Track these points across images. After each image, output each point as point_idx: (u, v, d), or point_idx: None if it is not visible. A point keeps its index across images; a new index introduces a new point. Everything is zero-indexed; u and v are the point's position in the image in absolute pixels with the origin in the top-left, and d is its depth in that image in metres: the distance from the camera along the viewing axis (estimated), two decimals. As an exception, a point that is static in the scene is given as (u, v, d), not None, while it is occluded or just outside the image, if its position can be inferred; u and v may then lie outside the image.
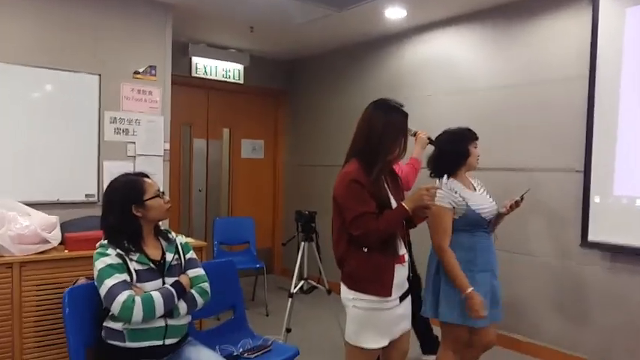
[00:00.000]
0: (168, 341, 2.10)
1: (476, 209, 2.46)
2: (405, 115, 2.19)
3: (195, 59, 5.34)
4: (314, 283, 3.92)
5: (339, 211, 2.12)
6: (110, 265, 2.00)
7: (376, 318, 2.09)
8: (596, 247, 3.30)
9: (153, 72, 4.00)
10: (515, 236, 3.72)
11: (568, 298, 3.53)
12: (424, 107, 4.38)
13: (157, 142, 4.00)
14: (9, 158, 3.38)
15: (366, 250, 2.07)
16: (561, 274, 3.56)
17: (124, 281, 1.99)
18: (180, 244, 2.28)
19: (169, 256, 2.18)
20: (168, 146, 4.08)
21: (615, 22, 3.21)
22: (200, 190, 5.74)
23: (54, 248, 3.02)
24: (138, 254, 2.08)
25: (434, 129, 3.00)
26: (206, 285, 2.22)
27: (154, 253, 2.16)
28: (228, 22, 4.54)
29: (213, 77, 5.50)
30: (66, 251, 3.03)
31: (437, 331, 2.69)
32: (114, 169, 3.49)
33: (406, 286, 2.20)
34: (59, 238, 3.07)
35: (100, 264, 2.01)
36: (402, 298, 2.16)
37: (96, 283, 2.01)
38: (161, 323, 2.06)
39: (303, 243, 3.88)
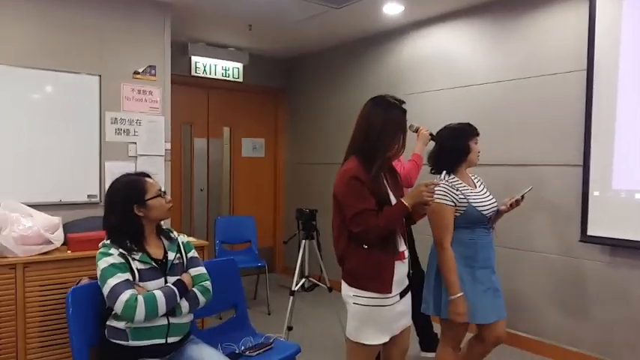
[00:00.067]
0: (170, 339, 2.12)
1: (477, 206, 2.47)
2: (404, 112, 2.20)
3: (194, 58, 5.35)
4: (315, 281, 3.94)
5: (339, 209, 2.14)
6: (113, 265, 2.02)
7: (377, 314, 2.10)
8: (596, 241, 3.31)
9: (152, 72, 4.02)
10: (515, 232, 3.73)
11: (568, 293, 3.54)
12: (423, 103, 4.39)
13: (157, 142, 4.02)
14: (11, 160, 3.40)
15: (366, 247, 2.08)
16: (561, 269, 3.57)
17: (127, 280, 2.00)
18: (182, 243, 2.30)
19: (171, 255, 2.20)
20: (169, 146, 4.09)
21: (612, 14, 3.22)
22: (201, 190, 5.75)
23: (57, 249, 3.04)
24: (140, 253, 2.10)
25: (433, 125, 3.01)
26: (208, 283, 2.24)
27: (156, 252, 2.17)
28: (226, 20, 4.55)
29: (212, 76, 5.51)
30: (69, 252, 3.05)
31: (436, 328, 2.70)
32: (115, 169, 3.50)
33: (406, 282, 2.22)
34: (62, 239, 3.09)
35: (102, 264, 2.03)
36: (402, 295, 2.18)
37: (99, 283, 2.03)
38: (164, 322, 2.08)
39: (303, 241, 3.90)
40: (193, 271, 2.23)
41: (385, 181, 2.19)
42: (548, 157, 3.62)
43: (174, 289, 2.08)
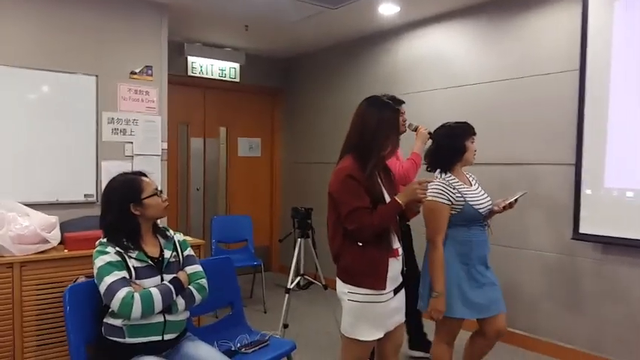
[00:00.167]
0: (167, 336, 2.14)
1: (473, 204, 2.50)
2: (397, 112, 2.24)
3: (191, 58, 5.36)
4: (310, 279, 3.96)
5: (334, 207, 2.17)
6: (109, 263, 2.04)
7: (371, 311, 2.13)
8: (588, 238, 3.35)
9: (149, 72, 4.03)
10: (510, 230, 3.76)
11: (561, 290, 3.58)
12: (419, 103, 4.42)
13: (154, 141, 4.04)
14: (8, 160, 3.41)
15: (360, 244, 2.11)
16: (555, 267, 3.61)
17: (123, 278, 2.02)
18: (179, 241, 2.32)
19: (167, 254, 2.22)
20: (165, 145, 4.11)
21: (604, 15, 3.25)
22: (198, 189, 5.77)
23: (53, 248, 3.05)
24: (137, 252, 2.12)
25: (429, 125, 3.05)
26: (204, 281, 2.26)
27: (153, 250, 2.19)
28: (222, 20, 4.57)
29: (209, 76, 5.52)
30: (65, 251, 3.06)
31: (431, 326, 2.73)
32: (112, 169, 3.51)
33: (400, 279, 2.25)
34: (59, 238, 3.11)
35: (99, 262, 2.05)
36: (396, 291, 2.21)
37: (95, 281, 2.05)
38: (160, 319, 2.10)
39: (299, 239, 3.92)
40: (189, 269, 2.25)
41: (379, 180, 2.22)
42: (542, 156, 3.66)
43: (171, 286, 2.11)
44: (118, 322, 2.06)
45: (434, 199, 2.44)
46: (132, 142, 3.93)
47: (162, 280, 2.14)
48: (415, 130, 3.23)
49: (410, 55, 4.64)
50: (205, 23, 4.68)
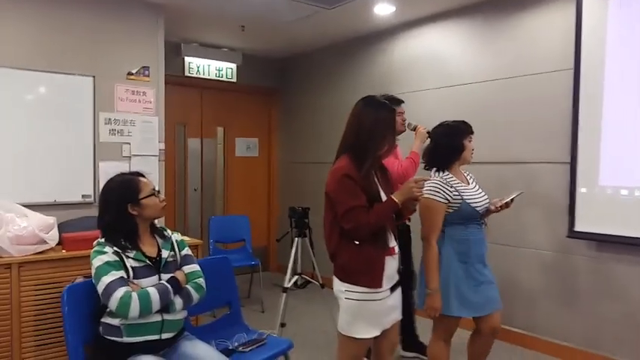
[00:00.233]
0: (164, 335, 2.15)
1: (470, 203, 2.51)
2: (393, 112, 2.26)
3: (187, 59, 5.37)
4: (308, 278, 3.98)
5: (331, 206, 2.18)
6: (107, 263, 2.05)
7: (368, 309, 2.15)
8: (582, 236, 3.37)
9: (146, 73, 4.04)
10: (507, 228, 3.79)
11: (558, 289, 3.60)
12: (415, 103, 4.43)
13: (151, 142, 4.05)
14: (6, 161, 3.42)
15: (357, 243, 2.13)
16: (551, 265, 3.63)
17: (121, 278, 2.03)
18: (176, 241, 2.34)
19: (165, 253, 2.23)
20: (163, 146, 4.12)
21: (598, 14, 3.28)
22: (195, 189, 5.78)
23: (52, 249, 3.06)
24: (134, 251, 2.13)
25: (425, 124, 3.08)
26: (201, 280, 2.27)
27: (150, 250, 2.21)
28: (219, 21, 4.58)
29: (206, 76, 5.53)
30: (63, 251, 3.06)
31: (425, 326, 2.74)
32: (109, 169, 3.50)
33: (396, 277, 2.26)
34: (57, 239, 3.11)
35: (97, 262, 2.06)
36: (392, 289, 2.22)
37: (93, 281, 2.06)
38: (158, 318, 2.11)
39: (296, 239, 3.94)
40: (187, 269, 2.26)
41: (376, 179, 2.24)
42: (539, 155, 3.68)
43: (168, 286, 2.12)
44: (115, 322, 2.07)
45: (430, 197, 2.46)
46: (129, 143, 3.94)
47: (159, 279, 2.15)
48: (414, 129, 3.25)
49: (405, 55, 4.66)
50: (202, 24, 4.69)
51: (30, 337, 2.92)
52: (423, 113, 4.23)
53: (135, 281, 2.08)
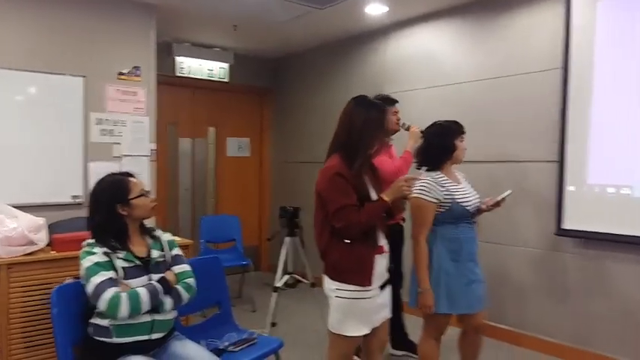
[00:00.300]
0: (154, 336, 2.15)
1: (461, 202, 2.53)
2: (384, 111, 2.27)
3: (179, 59, 5.35)
4: (298, 277, 3.98)
5: (321, 205, 2.19)
6: (97, 264, 2.04)
7: (358, 307, 2.16)
8: (570, 234, 3.40)
9: (137, 72, 4.03)
10: (498, 227, 3.81)
11: (546, 286, 3.63)
12: (407, 102, 4.43)
13: (142, 142, 4.03)
14: (-4, 161, 3.40)
15: (347, 241, 2.14)
16: (540, 263, 3.66)
17: (110, 279, 2.03)
18: (166, 241, 2.33)
19: (155, 253, 2.23)
20: (154, 146, 4.11)
21: (587, 14, 3.31)
22: (186, 189, 5.76)
23: (41, 250, 3.03)
24: (124, 252, 2.13)
25: (417, 124, 3.09)
26: (191, 280, 2.27)
27: (140, 250, 2.20)
28: (211, 20, 4.58)
29: (197, 76, 5.51)
30: (53, 252, 3.04)
31: (414, 324, 2.76)
32: (100, 170, 3.45)
33: (386, 275, 2.28)
34: (46, 240, 3.08)
35: (86, 262, 2.05)
36: (382, 288, 2.24)
37: (83, 281, 2.06)
38: (147, 318, 2.11)
39: (287, 238, 3.94)
40: (177, 269, 2.26)
41: (366, 178, 2.25)
42: (529, 154, 3.71)
43: (158, 286, 2.11)
44: (105, 322, 2.07)
45: (419, 196, 2.48)
46: (120, 143, 3.92)
47: (149, 279, 2.15)
48: (408, 129, 3.28)
49: (398, 55, 4.67)
50: (194, 23, 4.68)
51: (19, 338, 2.90)
52: (415, 112, 4.24)
53: (124, 281, 2.07)
